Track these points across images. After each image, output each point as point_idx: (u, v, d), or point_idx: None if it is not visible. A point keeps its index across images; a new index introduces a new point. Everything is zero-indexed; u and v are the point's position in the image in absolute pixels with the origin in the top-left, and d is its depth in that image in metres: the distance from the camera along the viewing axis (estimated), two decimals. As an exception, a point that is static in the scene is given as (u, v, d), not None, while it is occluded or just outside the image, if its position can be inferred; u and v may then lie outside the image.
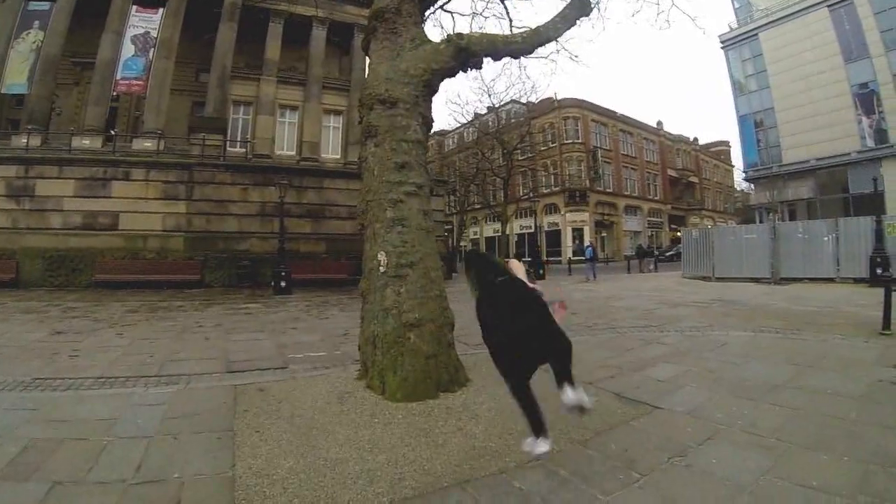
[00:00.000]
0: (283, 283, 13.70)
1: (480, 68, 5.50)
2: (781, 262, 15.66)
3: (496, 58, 5.39)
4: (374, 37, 5.17)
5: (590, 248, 21.05)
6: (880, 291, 6.84)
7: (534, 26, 5.53)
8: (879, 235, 13.56)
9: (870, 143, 21.24)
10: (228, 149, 18.05)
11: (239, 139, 19.36)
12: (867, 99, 21.36)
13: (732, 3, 28.39)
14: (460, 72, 5.10)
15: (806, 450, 2.87)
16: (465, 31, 6.93)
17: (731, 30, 27.46)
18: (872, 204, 18.71)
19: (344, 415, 3.69)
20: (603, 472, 2.69)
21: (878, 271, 12.88)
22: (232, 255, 15.72)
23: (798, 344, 5.95)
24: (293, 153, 20.13)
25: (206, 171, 16.22)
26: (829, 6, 22.75)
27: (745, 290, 13.51)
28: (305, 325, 8.50)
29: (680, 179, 45.86)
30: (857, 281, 13.68)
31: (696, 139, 50.83)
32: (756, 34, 25.77)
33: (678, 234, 29.25)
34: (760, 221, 23.12)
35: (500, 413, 3.58)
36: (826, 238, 14.84)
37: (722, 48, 27.42)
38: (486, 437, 3.22)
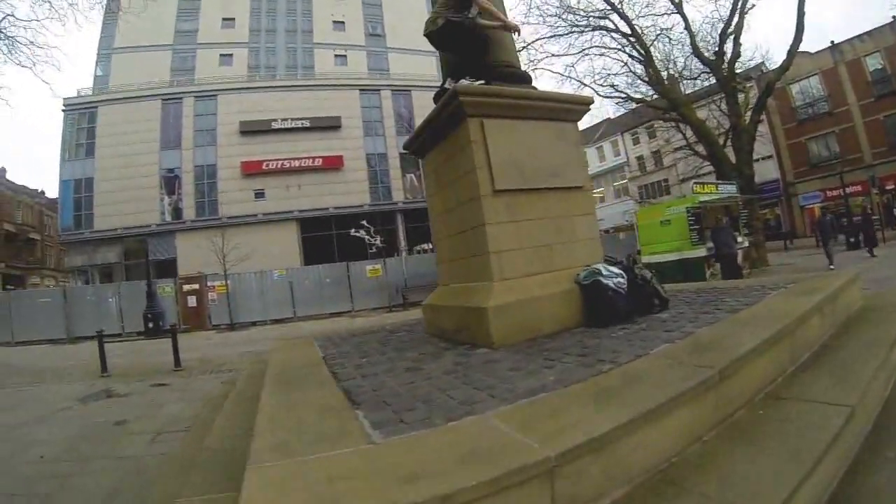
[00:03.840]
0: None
1: None
2: (76, 322, 16.86)
3: None
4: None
5: None
6: (153, 342, 8.90)
7: None
8: (152, 296, 17.07)
9: (168, 218, 26.74)
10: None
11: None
12: (171, 182, 26.95)
13: (95, 71, 28.94)
14: None
15: None
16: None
17: (79, 95, 27.52)
18: (169, 268, 23.78)
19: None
20: None
21: (150, 325, 16.55)
22: None
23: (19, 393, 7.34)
24: None
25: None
26: (163, 99, 27.58)
27: (32, 351, 13.89)
28: None
29: (18, 235, 38.41)
30: (139, 334, 16.12)
31: (42, 191, 44.21)
32: (97, 106, 26.95)
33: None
34: (87, 283, 23.91)
35: None
36: (111, 299, 17.63)
37: (63, 111, 26.80)
38: None
